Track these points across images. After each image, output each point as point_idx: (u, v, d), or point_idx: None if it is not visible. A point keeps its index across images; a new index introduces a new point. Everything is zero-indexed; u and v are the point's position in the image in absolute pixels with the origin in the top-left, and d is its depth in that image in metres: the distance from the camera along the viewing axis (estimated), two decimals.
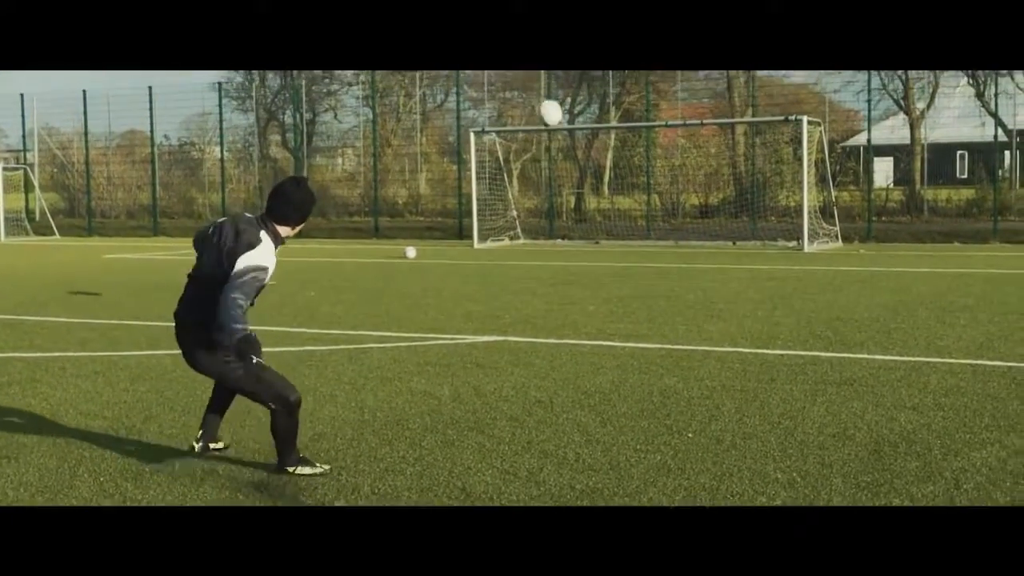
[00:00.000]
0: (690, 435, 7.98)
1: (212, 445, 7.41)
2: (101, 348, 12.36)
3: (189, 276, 7.02)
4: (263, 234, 6.70)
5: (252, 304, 6.69)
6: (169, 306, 7.44)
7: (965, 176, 46.81)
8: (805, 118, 29.45)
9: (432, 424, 8.45)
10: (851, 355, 11.26)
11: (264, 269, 6.64)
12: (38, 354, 12.01)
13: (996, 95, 35.37)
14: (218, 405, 7.41)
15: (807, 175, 29.17)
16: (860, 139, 39.86)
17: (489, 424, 8.41)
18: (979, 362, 10.76)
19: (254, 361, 6.81)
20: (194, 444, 7.36)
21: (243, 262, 6.58)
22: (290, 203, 6.82)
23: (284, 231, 6.83)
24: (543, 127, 38.85)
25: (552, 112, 30.57)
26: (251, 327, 6.66)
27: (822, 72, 39.35)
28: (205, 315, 6.72)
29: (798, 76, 43.19)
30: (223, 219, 7.01)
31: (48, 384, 10.23)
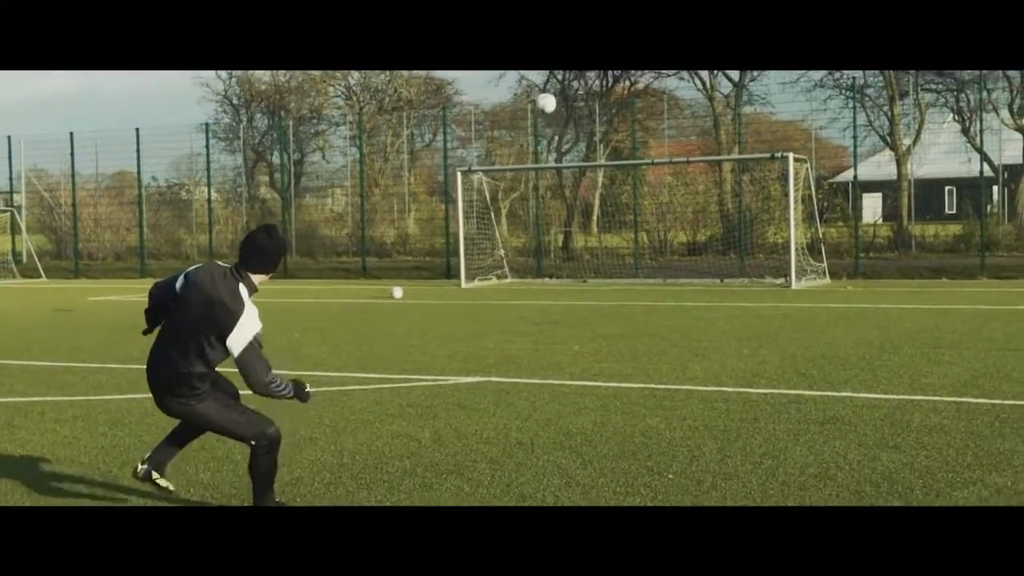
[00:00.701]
0: (670, 476, 7.91)
1: (156, 477, 7.21)
2: (82, 392, 12.28)
3: (163, 326, 6.97)
4: (241, 289, 6.68)
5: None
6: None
7: (953, 211, 46.93)
8: (791, 155, 29.51)
9: (411, 467, 8.38)
10: (835, 393, 11.22)
11: (258, 332, 6.69)
12: (18, 399, 11.92)
13: (981, 131, 35.49)
14: (178, 438, 7.32)
15: (793, 212, 29.20)
16: (848, 175, 39.93)
17: (468, 467, 8.34)
18: (963, 399, 10.71)
19: (221, 401, 6.84)
20: (138, 465, 7.27)
21: (242, 338, 6.60)
22: (265, 253, 6.80)
23: (259, 279, 6.81)
24: (531, 167, 39.02)
25: (548, 101, 30.67)
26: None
27: (808, 109, 39.55)
28: (177, 363, 6.71)
29: (785, 113, 43.46)
30: (194, 268, 6.94)
31: (26, 430, 10.14)
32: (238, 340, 6.58)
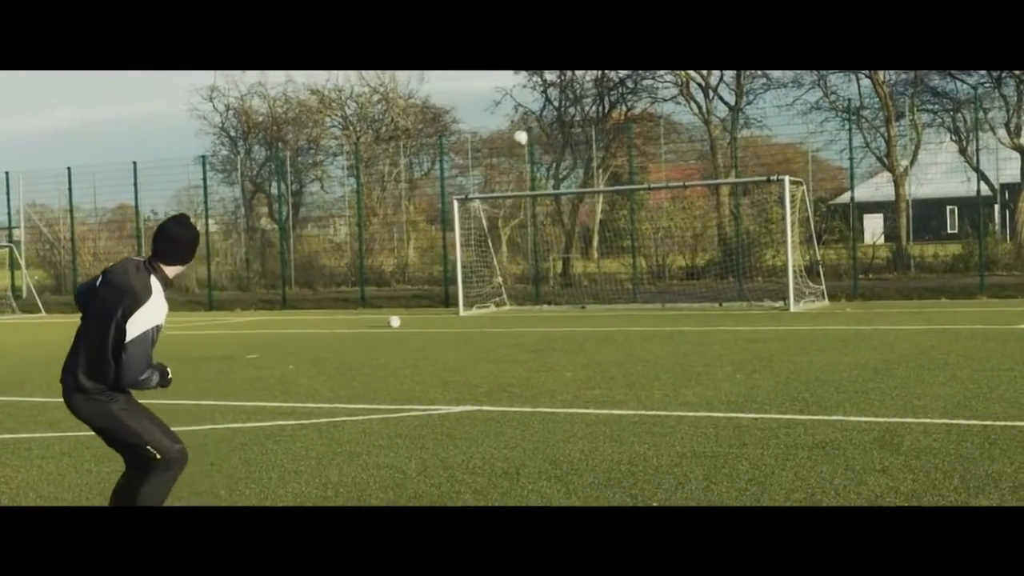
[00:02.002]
0: (654, 505, 7.85)
1: None
2: (71, 428, 12.15)
3: (80, 327, 6.80)
4: (153, 281, 6.57)
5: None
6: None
7: (954, 231, 46.91)
8: (787, 178, 29.50)
9: (395, 500, 8.32)
10: (826, 417, 11.15)
11: (159, 326, 6.56)
12: (6, 436, 11.87)
13: (977, 151, 35.50)
14: (125, 494, 6.89)
15: (790, 234, 29.17)
16: (848, 196, 39.94)
17: (452, 498, 8.28)
18: (954, 421, 10.63)
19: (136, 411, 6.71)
20: None
21: (140, 325, 6.46)
22: (178, 244, 6.68)
23: (172, 271, 6.71)
24: (528, 193, 39.08)
25: (521, 136, 33.24)
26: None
27: (805, 131, 39.58)
28: (89, 359, 6.58)
29: (783, 136, 43.46)
30: (111, 265, 6.85)
31: (11, 467, 10.09)
32: (134, 327, 6.44)
